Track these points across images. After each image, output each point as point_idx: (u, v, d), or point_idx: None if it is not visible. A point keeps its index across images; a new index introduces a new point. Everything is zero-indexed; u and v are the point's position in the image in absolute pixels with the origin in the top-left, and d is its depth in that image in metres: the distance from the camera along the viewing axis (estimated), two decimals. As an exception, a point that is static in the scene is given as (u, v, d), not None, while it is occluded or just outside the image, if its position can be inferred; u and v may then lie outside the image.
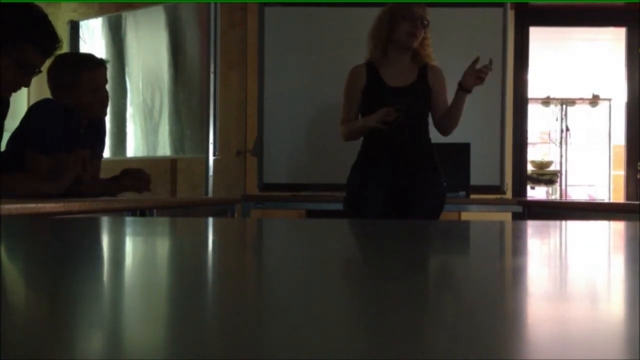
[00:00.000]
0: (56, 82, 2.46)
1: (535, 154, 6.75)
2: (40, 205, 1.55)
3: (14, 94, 2.34)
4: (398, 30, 2.84)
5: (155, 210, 2.32)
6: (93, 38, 4.36)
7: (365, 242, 0.89)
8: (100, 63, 2.53)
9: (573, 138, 6.67)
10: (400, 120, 2.75)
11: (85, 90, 2.42)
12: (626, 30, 5.29)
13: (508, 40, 4.03)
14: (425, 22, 2.85)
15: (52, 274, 0.48)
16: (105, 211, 1.94)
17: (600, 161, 6.83)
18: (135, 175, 2.59)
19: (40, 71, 2.17)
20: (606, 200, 6.29)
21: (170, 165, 5.02)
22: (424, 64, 2.91)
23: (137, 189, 2.60)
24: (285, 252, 0.74)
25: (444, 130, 2.94)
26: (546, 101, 6.68)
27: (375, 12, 2.99)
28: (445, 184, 2.93)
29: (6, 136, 2.38)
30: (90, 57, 2.60)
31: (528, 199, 4.93)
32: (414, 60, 2.91)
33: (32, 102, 2.55)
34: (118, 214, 2.03)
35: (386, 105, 2.79)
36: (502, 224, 1.46)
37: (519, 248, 0.80)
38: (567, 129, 6.58)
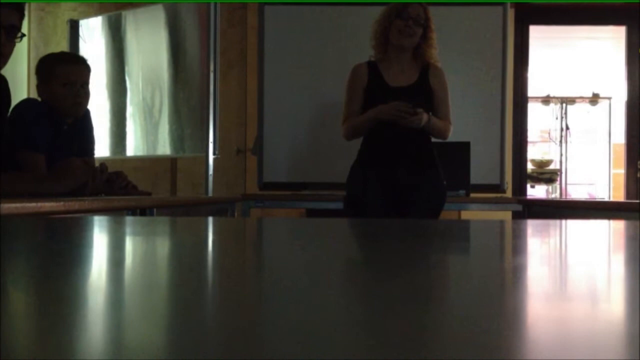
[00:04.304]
0: (37, 77, 2.54)
1: (535, 152, 6.75)
2: (40, 204, 1.55)
3: (12, 96, 2.34)
4: (391, 29, 2.85)
5: (155, 210, 2.32)
6: (93, 37, 4.36)
7: (365, 242, 0.89)
8: (77, 60, 2.58)
9: (573, 136, 6.66)
10: (410, 116, 2.76)
11: (56, 84, 2.46)
12: (626, 28, 5.29)
13: (508, 39, 4.03)
14: (422, 21, 2.83)
15: (51, 273, 0.48)
16: (105, 211, 1.94)
17: (600, 160, 6.82)
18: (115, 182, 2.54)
19: (23, 34, 2.19)
20: (606, 199, 6.29)
21: (170, 164, 5.02)
22: (426, 64, 2.90)
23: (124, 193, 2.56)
24: (285, 251, 0.74)
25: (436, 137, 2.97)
26: (546, 100, 6.68)
27: (376, 11, 2.98)
28: (445, 182, 2.93)
29: None
30: (67, 54, 2.67)
31: (528, 197, 4.93)
32: (416, 60, 2.91)
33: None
34: (118, 213, 2.03)
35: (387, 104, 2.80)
36: (502, 223, 1.46)
37: (518, 247, 0.80)
38: (567, 128, 6.57)
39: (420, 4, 2.86)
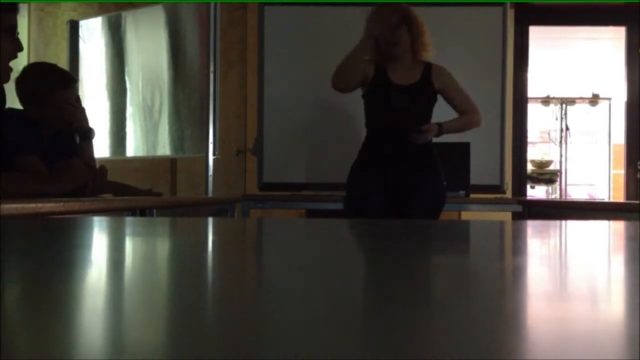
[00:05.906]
0: (25, 94, 2.39)
1: (535, 153, 6.75)
2: (40, 205, 1.55)
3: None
4: (380, 46, 2.86)
5: (155, 210, 2.32)
6: (93, 37, 4.36)
7: (365, 242, 0.89)
8: (72, 80, 2.49)
9: (573, 137, 6.66)
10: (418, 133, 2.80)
11: (53, 110, 2.37)
12: (626, 29, 5.29)
13: (508, 40, 4.03)
14: (399, 22, 2.83)
15: (51, 274, 0.48)
16: (105, 211, 1.94)
17: (600, 160, 6.82)
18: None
19: (18, 32, 2.13)
20: (606, 200, 6.28)
21: (170, 164, 5.02)
22: (427, 64, 2.91)
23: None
24: (285, 252, 0.74)
25: None
26: (546, 100, 6.68)
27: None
28: (445, 183, 2.93)
29: None
30: (61, 75, 2.50)
31: (528, 198, 4.93)
32: (417, 61, 2.92)
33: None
34: (118, 213, 2.03)
35: (389, 102, 2.81)
36: (501, 223, 1.46)
37: (518, 248, 0.80)
38: (567, 128, 6.57)
39: (391, 9, 2.86)
